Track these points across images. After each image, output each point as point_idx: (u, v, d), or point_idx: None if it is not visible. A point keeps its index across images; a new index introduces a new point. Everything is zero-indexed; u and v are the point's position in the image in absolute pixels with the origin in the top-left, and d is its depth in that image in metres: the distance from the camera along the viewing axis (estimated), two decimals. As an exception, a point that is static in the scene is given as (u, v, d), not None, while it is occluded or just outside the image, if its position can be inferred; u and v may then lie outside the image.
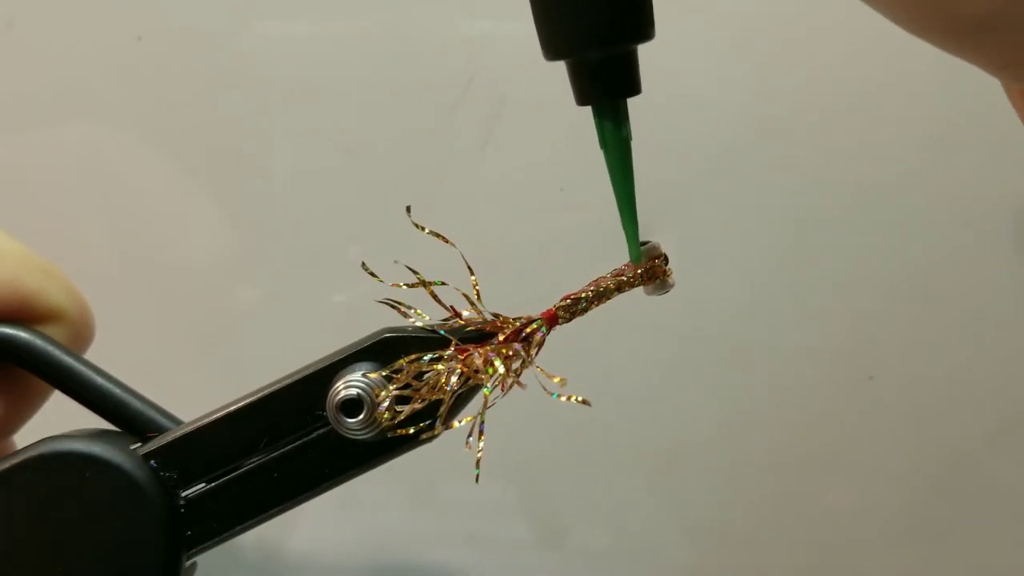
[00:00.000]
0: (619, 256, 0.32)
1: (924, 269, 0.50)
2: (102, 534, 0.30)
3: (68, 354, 0.33)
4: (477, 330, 0.30)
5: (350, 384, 0.30)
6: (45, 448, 0.30)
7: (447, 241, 0.31)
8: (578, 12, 0.27)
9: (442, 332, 0.30)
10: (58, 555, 0.30)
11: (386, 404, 0.29)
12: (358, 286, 0.51)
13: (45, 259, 0.34)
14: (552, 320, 0.30)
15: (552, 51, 0.28)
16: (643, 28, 0.28)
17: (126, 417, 0.32)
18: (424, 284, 0.31)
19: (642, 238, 0.32)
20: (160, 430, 0.32)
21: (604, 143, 0.29)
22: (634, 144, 0.30)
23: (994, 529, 0.52)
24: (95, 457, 0.30)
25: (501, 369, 0.29)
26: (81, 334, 0.35)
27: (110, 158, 0.51)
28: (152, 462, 0.31)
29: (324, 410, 0.30)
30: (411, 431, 0.30)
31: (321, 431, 0.31)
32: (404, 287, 0.31)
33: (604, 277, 0.32)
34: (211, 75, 0.50)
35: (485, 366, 0.29)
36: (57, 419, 0.33)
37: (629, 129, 0.29)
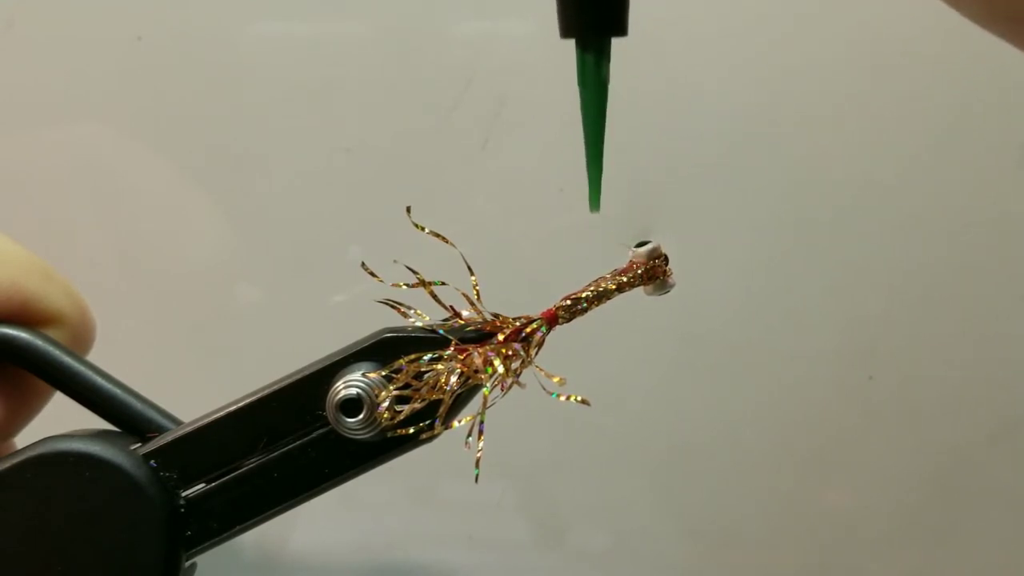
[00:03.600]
0: (619, 256, 0.32)
1: (924, 269, 0.50)
2: (102, 534, 0.30)
3: (69, 355, 0.33)
4: (477, 330, 0.30)
5: (350, 384, 0.30)
6: (45, 448, 0.30)
7: (447, 241, 0.31)
8: None
9: (442, 332, 0.30)
10: (58, 555, 0.30)
11: (386, 404, 0.29)
12: (358, 286, 0.51)
13: (46, 263, 0.34)
14: (552, 320, 0.30)
15: None
16: None
17: (126, 417, 0.32)
18: (424, 284, 0.31)
19: (642, 239, 0.32)
20: (160, 430, 0.32)
21: (583, 81, 0.29)
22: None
23: (994, 529, 0.52)
24: (95, 457, 0.30)
25: (501, 369, 0.29)
26: (82, 337, 0.35)
27: (110, 158, 0.51)
28: (152, 462, 0.31)
29: (324, 410, 0.30)
30: (411, 431, 0.30)
31: (321, 431, 0.31)
32: (404, 287, 0.31)
33: (604, 277, 0.32)
34: (211, 75, 0.50)
35: (485, 366, 0.29)
36: (57, 419, 0.33)
37: (608, 69, 0.29)
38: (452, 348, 0.30)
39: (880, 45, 0.48)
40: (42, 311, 0.33)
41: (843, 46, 0.49)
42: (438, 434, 0.30)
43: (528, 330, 0.30)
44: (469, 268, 0.31)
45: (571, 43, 0.29)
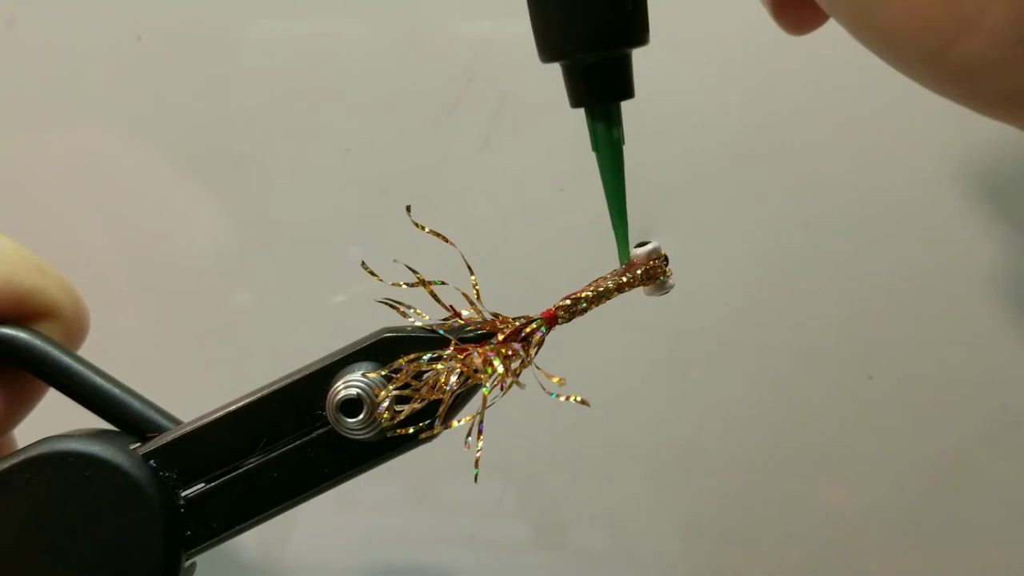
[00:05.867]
0: (619, 257, 0.32)
1: (924, 269, 0.50)
2: (102, 534, 0.30)
3: (67, 354, 0.33)
4: (477, 330, 0.30)
5: (350, 384, 0.30)
6: (45, 448, 0.30)
7: (447, 241, 0.31)
8: (574, 15, 0.27)
9: (441, 332, 0.30)
10: (58, 555, 0.30)
11: (386, 404, 0.29)
12: (358, 286, 0.51)
13: (40, 258, 0.34)
14: (551, 320, 0.30)
15: (547, 53, 0.28)
16: (638, 33, 0.28)
17: (125, 417, 0.32)
18: (424, 284, 0.31)
19: (643, 238, 0.32)
20: (159, 430, 0.32)
21: (596, 146, 0.29)
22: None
23: (994, 528, 0.52)
24: (95, 457, 0.30)
25: (500, 369, 0.29)
26: (76, 329, 0.35)
27: (110, 158, 0.51)
28: (152, 462, 0.31)
29: (324, 410, 0.30)
30: (411, 431, 0.30)
31: (321, 431, 0.31)
32: (404, 287, 0.31)
33: (604, 277, 0.32)
34: (211, 75, 0.50)
35: (484, 366, 0.29)
36: (57, 419, 0.33)
37: (621, 132, 0.29)
38: (452, 348, 0.30)
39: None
40: (37, 305, 0.33)
41: (846, 50, 0.49)
42: (438, 434, 0.30)
43: (528, 330, 0.30)
44: (469, 268, 0.31)
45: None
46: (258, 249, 0.51)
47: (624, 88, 0.29)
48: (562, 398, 0.29)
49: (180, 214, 0.52)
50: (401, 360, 0.30)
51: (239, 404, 0.31)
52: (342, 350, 0.31)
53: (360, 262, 0.32)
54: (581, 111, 0.30)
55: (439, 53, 0.50)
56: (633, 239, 0.32)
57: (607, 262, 0.32)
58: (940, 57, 0.23)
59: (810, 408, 0.52)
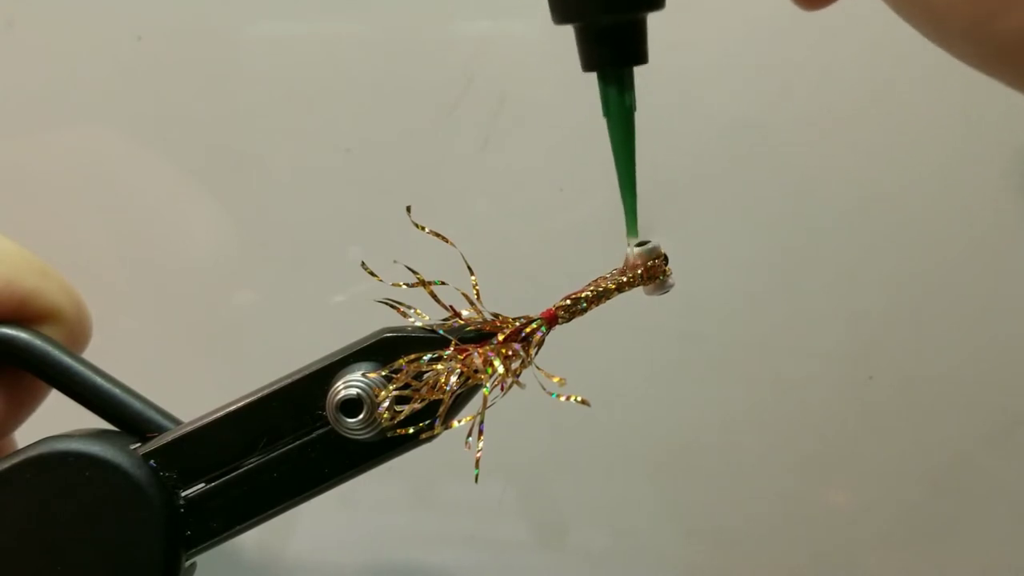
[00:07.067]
0: (619, 256, 0.32)
1: (924, 270, 0.50)
2: (102, 534, 0.30)
3: (68, 354, 0.33)
4: (477, 330, 0.30)
5: (350, 384, 0.30)
6: (45, 448, 0.30)
7: (447, 241, 0.31)
8: None
9: (442, 332, 0.30)
10: (58, 555, 0.30)
11: (386, 404, 0.29)
12: (358, 286, 0.51)
13: (42, 260, 0.34)
14: (552, 320, 0.30)
15: (561, 14, 0.28)
16: None
17: (125, 417, 0.32)
18: (424, 284, 0.31)
19: (642, 238, 0.32)
20: (160, 430, 0.32)
21: (607, 111, 0.29)
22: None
23: (993, 529, 0.52)
24: (95, 457, 0.30)
25: (500, 369, 0.29)
26: (79, 333, 0.35)
27: (110, 158, 0.51)
28: (152, 462, 0.31)
29: (324, 410, 0.30)
30: (411, 431, 0.30)
31: (321, 431, 0.31)
32: (404, 287, 0.31)
33: (604, 277, 0.32)
34: (211, 75, 0.50)
35: (484, 366, 0.29)
36: (57, 419, 0.33)
37: (633, 98, 0.29)
38: (452, 348, 0.30)
39: (880, 57, 0.48)
40: (39, 308, 0.33)
41: (845, 58, 0.49)
42: (438, 434, 0.30)
43: (528, 330, 0.30)
44: (469, 268, 0.31)
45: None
46: (258, 249, 0.51)
47: (638, 52, 0.28)
48: (562, 398, 0.29)
49: (180, 214, 0.52)
50: (401, 360, 0.30)
51: (239, 404, 0.31)
52: (342, 350, 0.31)
53: (360, 262, 0.32)
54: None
55: (439, 53, 0.50)
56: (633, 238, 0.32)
57: (607, 262, 0.32)
58: (986, 31, 0.22)
59: (810, 408, 0.52)
